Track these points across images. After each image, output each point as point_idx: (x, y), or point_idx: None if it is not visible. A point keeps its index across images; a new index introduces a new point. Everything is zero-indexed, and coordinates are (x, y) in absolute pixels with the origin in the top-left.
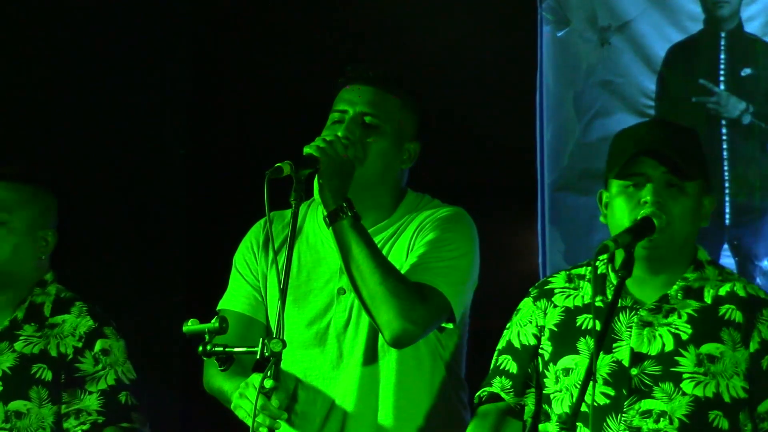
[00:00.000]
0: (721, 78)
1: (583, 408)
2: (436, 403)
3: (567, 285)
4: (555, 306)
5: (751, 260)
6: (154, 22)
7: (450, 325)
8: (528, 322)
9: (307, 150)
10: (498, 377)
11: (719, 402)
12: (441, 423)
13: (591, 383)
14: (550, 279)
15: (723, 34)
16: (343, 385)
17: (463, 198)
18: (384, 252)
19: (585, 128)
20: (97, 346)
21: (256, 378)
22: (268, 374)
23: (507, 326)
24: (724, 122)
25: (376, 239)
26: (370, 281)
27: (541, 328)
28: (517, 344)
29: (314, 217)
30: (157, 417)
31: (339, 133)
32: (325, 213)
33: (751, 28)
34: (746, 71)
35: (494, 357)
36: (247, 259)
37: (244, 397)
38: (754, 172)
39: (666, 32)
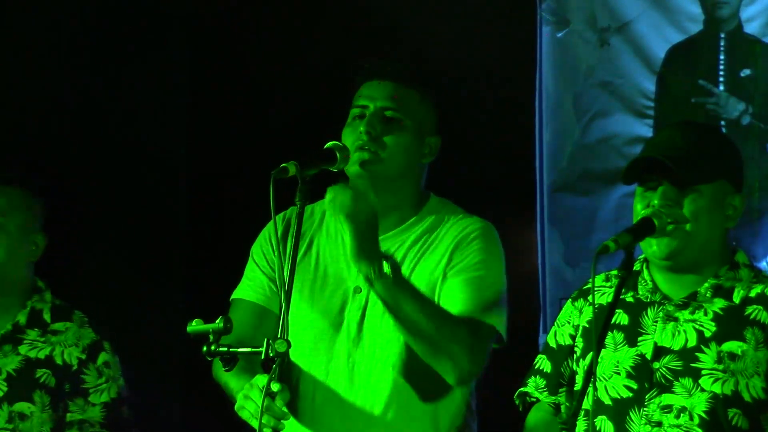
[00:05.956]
0: (721, 79)
1: (607, 401)
2: (444, 408)
3: (604, 283)
4: (591, 304)
5: None
6: (154, 22)
7: (496, 345)
8: (566, 323)
9: (329, 145)
10: (533, 377)
11: (738, 400)
12: (446, 426)
13: (591, 383)
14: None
15: (722, 35)
16: (347, 383)
17: (462, 198)
18: (416, 255)
19: (584, 129)
20: (100, 359)
21: (260, 379)
22: (273, 376)
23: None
24: (723, 123)
25: (404, 237)
26: (428, 331)
27: (576, 327)
28: (553, 344)
29: None
30: (158, 417)
31: (361, 128)
32: (362, 274)
33: (751, 29)
34: (746, 72)
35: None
36: (264, 250)
37: (248, 398)
38: (753, 172)
39: (665, 33)
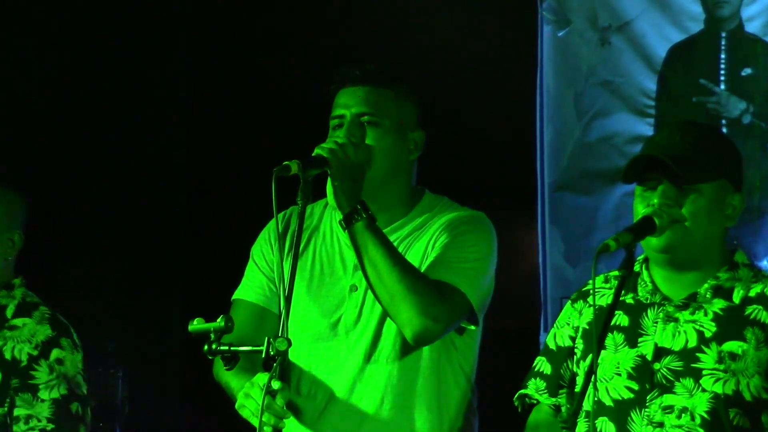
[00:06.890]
0: (722, 78)
1: (609, 402)
2: (446, 407)
3: (603, 285)
4: (590, 306)
5: None
6: (155, 22)
7: (473, 327)
8: (565, 324)
9: (317, 151)
10: (533, 379)
11: (739, 400)
12: (448, 425)
13: (591, 383)
14: (590, 282)
15: (723, 34)
16: (347, 381)
17: (463, 198)
18: (404, 250)
19: (585, 128)
20: (53, 355)
21: (261, 377)
22: (274, 374)
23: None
24: (724, 122)
25: (392, 238)
26: (388, 280)
27: (576, 329)
28: (553, 346)
29: (330, 214)
30: (158, 417)
31: (340, 138)
32: (341, 216)
33: (752, 28)
34: (746, 71)
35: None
36: (264, 250)
37: (249, 396)
38: (753, 172)
39: (666, 32)
